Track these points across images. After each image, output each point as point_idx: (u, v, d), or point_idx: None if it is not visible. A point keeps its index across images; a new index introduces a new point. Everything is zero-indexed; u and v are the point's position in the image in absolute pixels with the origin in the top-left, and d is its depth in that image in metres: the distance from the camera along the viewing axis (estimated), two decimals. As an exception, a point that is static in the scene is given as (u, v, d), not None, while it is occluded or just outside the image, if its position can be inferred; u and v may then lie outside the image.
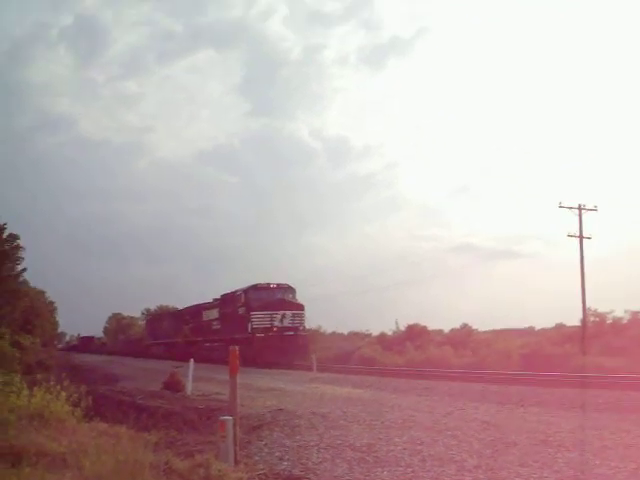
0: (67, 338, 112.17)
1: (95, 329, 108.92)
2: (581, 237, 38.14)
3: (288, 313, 37.62)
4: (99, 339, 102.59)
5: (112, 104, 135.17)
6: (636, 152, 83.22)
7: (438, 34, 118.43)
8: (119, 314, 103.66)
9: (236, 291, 40.96)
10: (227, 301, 42.18)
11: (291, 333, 37.10)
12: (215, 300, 46.05)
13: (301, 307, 39.01)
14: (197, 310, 49.51)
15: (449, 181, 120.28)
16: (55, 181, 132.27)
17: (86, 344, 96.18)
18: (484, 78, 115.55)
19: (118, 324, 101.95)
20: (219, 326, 43.74)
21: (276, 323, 36.91)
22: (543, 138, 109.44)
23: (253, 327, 36.90)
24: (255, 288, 39.17)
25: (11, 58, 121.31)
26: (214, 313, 45.16)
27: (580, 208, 38.46)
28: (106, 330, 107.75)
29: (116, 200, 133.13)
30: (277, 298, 38.61)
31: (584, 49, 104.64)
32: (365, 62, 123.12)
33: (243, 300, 39.24)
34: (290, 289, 40.05)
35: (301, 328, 38.11)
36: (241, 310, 38.99)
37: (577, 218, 38.54)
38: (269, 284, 39.38)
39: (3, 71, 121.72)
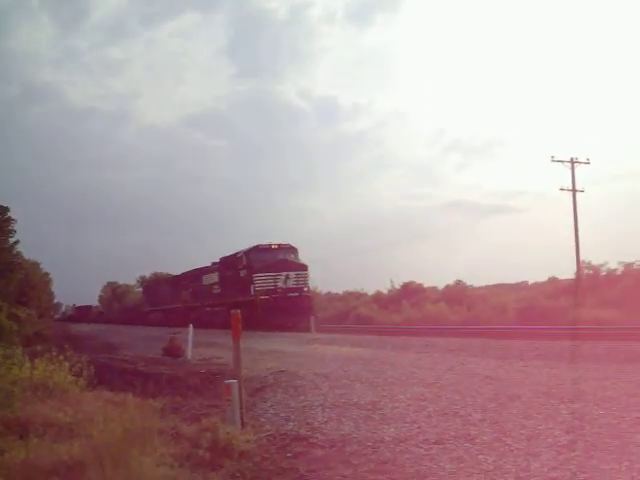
0: (63, 309, 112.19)
1: (90, 298, 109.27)
2: (574, 190, 38.29)
3: (292, 274, 36.50)
4: (96, 308, 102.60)
5: (97, 71, 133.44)
6: (630, 104, 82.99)
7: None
8: (114, 282, 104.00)
9: (237, 253, 39.82)
10: (227, 264, 41.16)
11: (295, 294, 36.01)
12: (214, 264, 45.10)
13: (304, 267, 37.88)
14: (196, 274, 48.48)
15: (440, 138, 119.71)
16: (44, 151, 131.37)
17: (83, 314, 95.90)
18: (476, 31, 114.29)
19: (113, 292, 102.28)
20: (219, 290, 42.76)
21: (280, 284, 35.88)
22: (535, 92, 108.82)
23: (256, 289, 35.73)
24: (257, 249, 37.98)
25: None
26: (214, 277, 44.09)
27: (572, 161, 38.50)
28: (101, 299, 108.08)
29: (106, 169, 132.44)
30: (280, 259, 37.38)
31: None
32: (352, 19, 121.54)
33: (245, 262, 38.08)
34: (292, 249, 38.94)
35: (305, 289, 37.05)
36: (243, 272, 37.95)
37: (569, 172, 38.69)
38: (270, 245, 38.14)
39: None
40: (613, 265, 35.84)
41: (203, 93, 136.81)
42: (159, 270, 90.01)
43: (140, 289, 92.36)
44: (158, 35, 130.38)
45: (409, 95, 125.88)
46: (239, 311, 8.51)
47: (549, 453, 6.25)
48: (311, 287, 38.56)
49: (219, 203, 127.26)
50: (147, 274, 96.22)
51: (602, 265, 36.92)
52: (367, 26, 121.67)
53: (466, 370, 12.24)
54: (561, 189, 38.40)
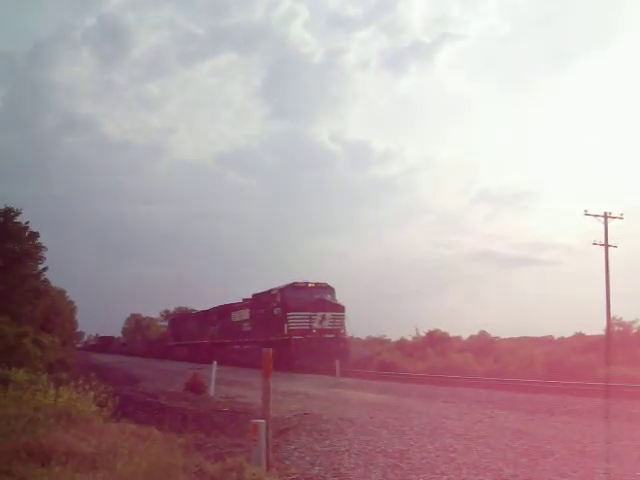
0: (85, 338, 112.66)
1: (113, 329, 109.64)
2: (606, 245, 37.72)
3: (328, 314, 34.81)
4: (118, 339, 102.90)
5: (134, 105, 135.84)
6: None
7: (459, 39, 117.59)
8: (138, 315, 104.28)
9: (271, 290, 38.12)
10: (260, 301, 39.56)
11: (331, 336, 34.41)
12: (246, 300, 43.56)
13: (341, 308, 36.01)
14: (225, 310, 46.88)
15: (470, 186, 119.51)
16: (78, 181, 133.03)
17: (105, 344, 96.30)
18: (505, 83, 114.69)
19: (137, 325, 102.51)
20: (250, 327, 41.17)
21: (315, 325, 34.23)
22: (568, 144, 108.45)
23: (290, 328, 34.23)
24: (292, 287, 36.24)
25: (35, 59, 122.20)
26: (244, 314, 42.61)
27: (606, 216, 38.06)
28: (124, 330, 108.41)
29: (137, 201, 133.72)
30: (316, 298, 35.60)
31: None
32: (386, 66, 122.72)
33: (279, 299, 36.49)
34: (329, 289, 37.11)
35: (342, 331, 35.28)
36: (277, 310, 36.34)
37: (602, 226, 38.25)
38: (307, 283, 36.49)
39: (28, 71, 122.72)
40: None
41: (236, 132, 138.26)
42: (183, 305, 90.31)
43: (164, 323, 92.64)
44: (195, 73, 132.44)
45: (440, 143, 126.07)
46: (271, 350, 8.35)
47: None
48: (348, 330, 36.52)
49: (245, 241, 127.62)
50: (171, 308, 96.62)
51: (633, 322, 36.26)
52: (401, 74, 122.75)
53: (495, 423, 11.95)
54: (594, 243, 37.97)
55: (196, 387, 19.07)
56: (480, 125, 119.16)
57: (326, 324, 34.43)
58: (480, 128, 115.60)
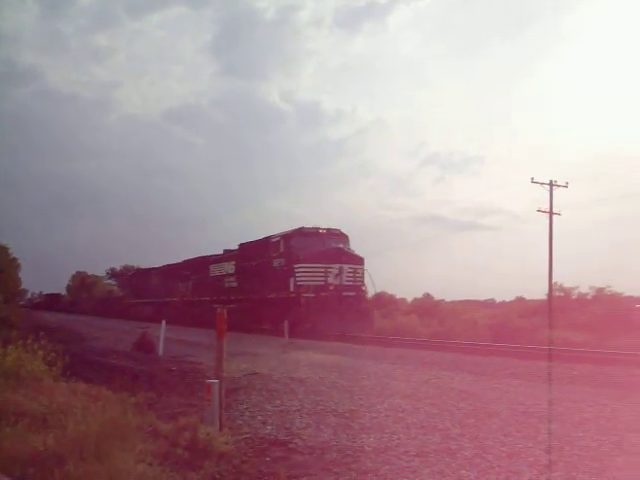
0: (29, 295, 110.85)
1: (57, 287, 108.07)
2: (551, 213, 38.69)
3: (346, 267, 28.72)
4: (64, 297, 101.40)
5: (81, 57, 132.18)
6: (607, 131, 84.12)
7: (414, 1, 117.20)
8: (83, 272, 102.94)
9: (270, 238, 31.78)
10: (251, 251, 33.73)
11: (352, 293, 28.52)
12: (228, 251, 38.52)
13: (361, 260, 30.03)
14: (200, 264, 41.59)
15: (419, 150, 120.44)
16: (19, 135, 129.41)
17: (51, 302, 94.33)
18: (457, 47, 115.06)
19: (82, 282, 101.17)
20: (236, 283, 35.67)
21: (331, 280, 28.20)
22: (518, 112, 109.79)
23: (298, 284, 28.33)
24: (300, 233, 30.07)
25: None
26: (227, 267, 37.27)
27: (551, 184, 38.92)
28: (69, 288, 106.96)
29: (83, 156, 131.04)
30: (331, 247, 29.58)
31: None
32: (340, 25, 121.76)
33: (282, 249, 30.18)
34: (344, 236, 31.09)
35: (364, 288, 29.45)
36: (278, 262, 30.39)
37: (548, 194, 39.09)
38: (317, 228, 30.30)
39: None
40: (584, 289, 36.36)
41: (185, 88, 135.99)
42: (130, 263, 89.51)
43: (110, 281, 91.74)
44: (144, 25, 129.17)
45: (392, 105, 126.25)
46: (225, 310, 8.34)
47: (531, 472, 6.23)
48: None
49: (195, 200, 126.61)
50: (117, 266, 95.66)
51: (573, 289, 37.41)
52: (355, 33, 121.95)
53: (442, 384, 12.21)
54: (538, 210, 38.83)
55: (145, 346, 19.00)
56: (432, 89, 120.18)
57: (345, 279, 28.63)
58: (432, 92, 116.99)
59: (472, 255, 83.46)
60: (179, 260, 48.07)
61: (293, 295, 28.45)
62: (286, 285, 28.98)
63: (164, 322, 19.47)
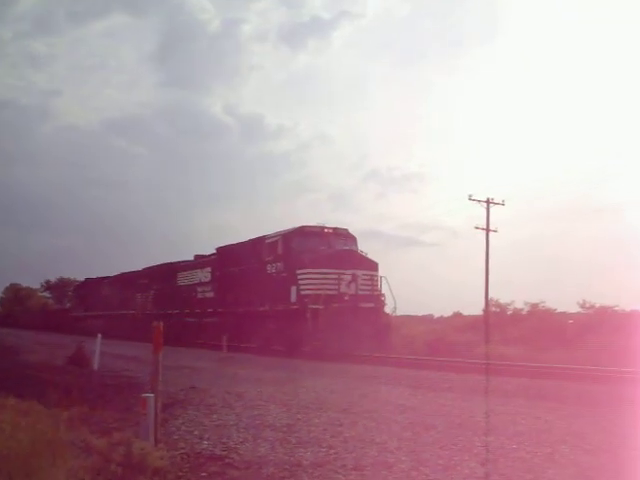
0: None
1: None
2: (487, 230, 39.47)
3: (360, 273, 24.17)
4: None
5: (18, 62, 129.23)
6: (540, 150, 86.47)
7: (357, 18, 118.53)
8: (17, 284, 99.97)
9: (263, 238, 26.92)
10: (234, 256, 28.99)
11: (370, 305, 24.06)
12: (201, 257, 33.99)
13: (376, 266, 25.27)
14: (164, 272, 36.99)
15: (361, 166, 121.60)
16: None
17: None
18: (399, 65, 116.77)
19: (16, 295, 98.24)
20: (213, 293, 30.92)
21: (344, 288, 23.64)
22: (457, 130, 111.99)
23: (302, 294, 23.78)
24: (302, 232, 25.61)
25: None
26: (202, 275, 32.47)
27: (488, 202, 39.73)
28: (2, 301, 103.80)
29: (18, 165, 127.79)
30: (342, 249, 25.26)
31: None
32: (284, 40, 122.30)
33: (281, 251, 25.49)
34: (352, 237, 26.65)
35: (382, 299, 24.77)
36: (274, 267, 25.80)
37: (485, 211, 39.89)
38: (323, 227, 25.93)
39: None
40: (519, 304, 37.24)
41: (127, 98, 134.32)
42: (66, 275, 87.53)
43: (45, 293, 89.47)
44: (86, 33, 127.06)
45: (334, 121, 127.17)
46: (161, 323, 8.15)
47: (466, 484, 6.30)
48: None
49: (134, 211, 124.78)
50: (52, 278, 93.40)
51: (509, 304, 38.27)
52: (299, 49, 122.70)
53: (380, 397, 12.29)
54: (476, 227, 39.58)
55: (80, 360, 18.53)
56: (374, 105, 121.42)
57: (360, 287, 24.14)
58: (374, 108, 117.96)
59: (412, 271, 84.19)
60: (138, 268, 43.66)
61: (295, 307, 24.03)
62: (285, 295, 24.57)
63: (99, 336, 19.01)
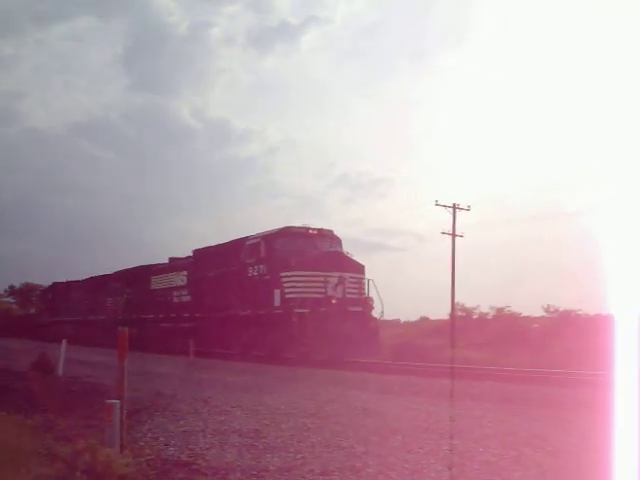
0: None
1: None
2: (454, 235, 39.86)
3: (347, 276, 23.43)
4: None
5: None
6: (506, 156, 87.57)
7: (325, 24, 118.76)
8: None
9: (243, 240, 25.99)
10: (213, 257, 27.99)
11: (358, 309, 23.50)
12: (175, 260, 32.94)
13: (362, 268, 24.73)
14: (138, 275, 35.54)
15: (328, 171, 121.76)
16: None
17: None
18: (367, 70, 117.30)
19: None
20: (189, 297, 29.81)
21: (331, 291, 22.90)
22: (423, 134, 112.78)
23: (287, 297, 22.96)
24: (286, 233, 24.74)
25: None
26: (177, 278, 31.23)
27: (454, 207, 40.13)
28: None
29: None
30: (327, 251, 24.58)
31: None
32: (252, 44, 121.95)
33: (263, 253, 24.52)
34: (336, 239, 25.70)
35: (370, 303, 24.02)
36: (255, 270, 24.82)
37: (451, 216, 40.27)
38: (307, 228, 25.18)
39: None
40: (485, 309, 37.65)
41: (94, 101, 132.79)
42: (31, 281, 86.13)
43: (8, 299, 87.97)
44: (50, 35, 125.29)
45: (302, 126, 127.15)
46: (126, 329, 8.09)
47: (433, 488, 6.34)
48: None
49: (100, 216, 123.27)
50: (16, 284, 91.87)
51: (474, 308, 38.66)
52: (267, 53, 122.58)
53: (347, 402, 12.29)
54: (442, 232, 39.95)
55: (43, 366, 18.25)
56: (342, 110, 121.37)
57: (348, 290, 23.45)
58: (342, 113, 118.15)
59: (379, 275, 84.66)
60: (108, 272, 41.92)
61: (279, 311, 23.26)
62: (268, 299, 23.68)
63: (64, 341, 18.78)
